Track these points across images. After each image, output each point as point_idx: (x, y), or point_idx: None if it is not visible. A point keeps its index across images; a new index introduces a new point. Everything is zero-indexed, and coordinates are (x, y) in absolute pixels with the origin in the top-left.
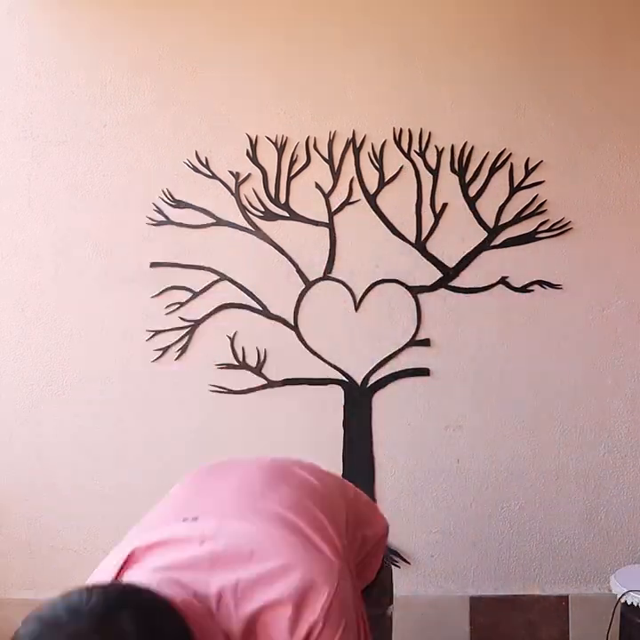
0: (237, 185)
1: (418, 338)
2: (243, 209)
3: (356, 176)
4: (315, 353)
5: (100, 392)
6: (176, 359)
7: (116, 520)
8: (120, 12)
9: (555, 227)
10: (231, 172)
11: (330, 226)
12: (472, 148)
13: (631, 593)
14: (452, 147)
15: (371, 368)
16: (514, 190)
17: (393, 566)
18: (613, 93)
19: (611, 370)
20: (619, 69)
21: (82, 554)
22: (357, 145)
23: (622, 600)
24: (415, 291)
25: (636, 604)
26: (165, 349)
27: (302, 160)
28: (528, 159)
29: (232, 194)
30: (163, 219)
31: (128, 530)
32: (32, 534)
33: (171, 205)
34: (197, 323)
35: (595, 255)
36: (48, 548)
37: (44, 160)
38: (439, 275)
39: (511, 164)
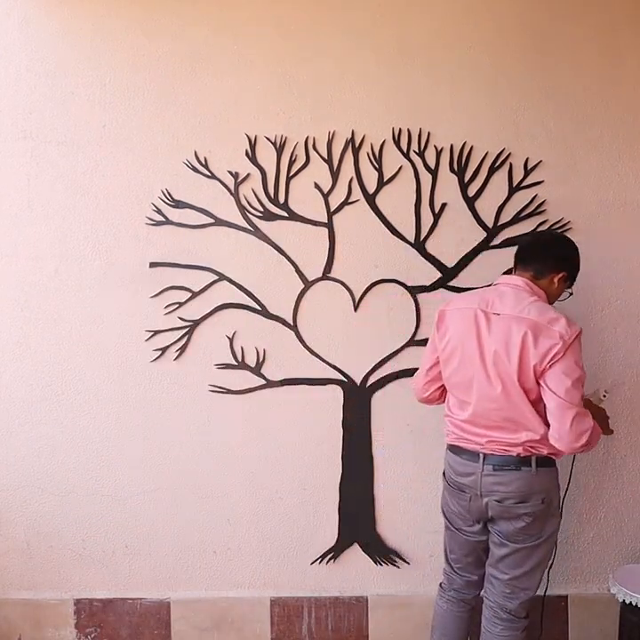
0: (236, 185)
1: (417, 338)
2: (242, 209)
3: (355, 176)
4: (314, 353)
5: (99, 392)
6: (175, 359)
7: (114, 520)
8: (119, 13)
9: (554, 227)
10: (230, 172)
11: (329, 226)
12: (471, 148)
13: (629, 592)
14: (452, 147)
15: (370, 368)
16: (513, 190)
17: (393, 566)
18: (612, 94)
19: (610, 370)
20: (618, 70)
21: (81, 553)
22: (356, 145)
23: (621, 600)
24: (414, 291)
25: (634, 604)
26: (164, 349)
27: (301, 160)
28: (527, 159)
29: (231, 194)
30: (162, 219)
31: (127, 530)
32: (31, 534)
33: (170, 205)
34: (196, 323)
35: (594, 255)
36: (47, 547)
37: (44, 160)
38: (438, 275)
39: (510, 164)
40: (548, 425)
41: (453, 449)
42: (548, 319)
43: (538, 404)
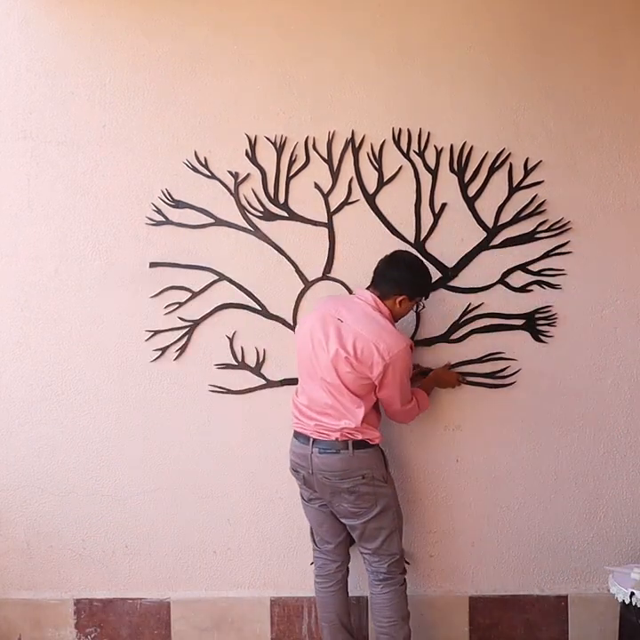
0: (236, 185)
1: (417, 338)
2: (242, 209)
3: (355, 176)
4: None
5: (99, 392)
6: (175, 359)
7: (114, 520)
8: (119, 13)
9: (554, 227)
10: (230, 172)
11: (329, 226)
12: (471, 148)
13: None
14: (451, 146)
15: None
16: (513, 190)
17: None
18: (612, 94)
19: (610, 370)
20: (618, 70)
21: (81, 553)
22: (356, 145)
23: (621, 600)
24: None
25: (634, 604)
26: (164, 349)
27: (301, 160)
28: (527, 159)
29: (231, 194)
30: (162, 219)
31: (127, 530)
32: (31, 534)
33: (170, 205)
34: (196, 323)
35: (593, 255)
36: (47, 547)
37: (44, 160)
38: (438, 275)
39: (510, 164)
40: (366, 417)
41: (294, 434)
42: (377, 338)
43: (359, 399)
